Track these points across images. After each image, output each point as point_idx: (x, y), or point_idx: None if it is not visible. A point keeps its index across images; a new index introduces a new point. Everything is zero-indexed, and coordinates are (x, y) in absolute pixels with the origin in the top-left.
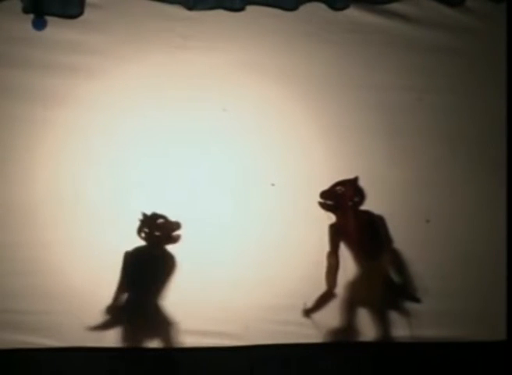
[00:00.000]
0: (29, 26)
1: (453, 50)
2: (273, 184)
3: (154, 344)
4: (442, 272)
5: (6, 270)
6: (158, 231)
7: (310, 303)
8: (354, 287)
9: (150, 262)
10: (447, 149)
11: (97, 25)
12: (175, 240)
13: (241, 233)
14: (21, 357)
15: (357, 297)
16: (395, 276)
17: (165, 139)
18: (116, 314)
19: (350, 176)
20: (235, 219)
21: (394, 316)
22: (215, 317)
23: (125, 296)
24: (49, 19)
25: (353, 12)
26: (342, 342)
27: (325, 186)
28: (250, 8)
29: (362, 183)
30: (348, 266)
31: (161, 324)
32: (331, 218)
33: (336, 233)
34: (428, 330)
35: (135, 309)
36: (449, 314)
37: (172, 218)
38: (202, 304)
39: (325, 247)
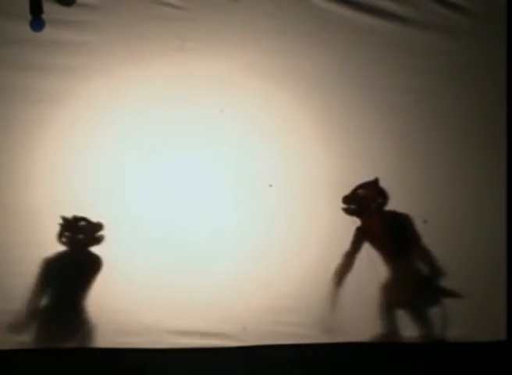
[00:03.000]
0: (27, 27)
1: (451, 51)
2: (271, 185)
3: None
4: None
5: (3, 271)
6: (81, 234)
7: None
8: (387, 288)
9: (75, 266)
10: (445, 150)
11: (95, 26)
12: (98, 241)
13: (239, 235)
14: (18, 358)
15: (391, 298)
16: (428, 273)
17: (162, 140)
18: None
19: (347, 176)
20: (233, 220)
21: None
22: (212, 318)
23: (45, 301)
24: (47, 20)
25: (350, 14)
26: (339, 343)
27: (324, 187)
28: (247, 10)
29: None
30: (379, 268)
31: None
32: (356, 222)
33: (362, 237)
34: (428, 331)
35: (59, 313)
36: (449, 314)
37: (170, 219)
38: (200, 305)
39: (324, 247)
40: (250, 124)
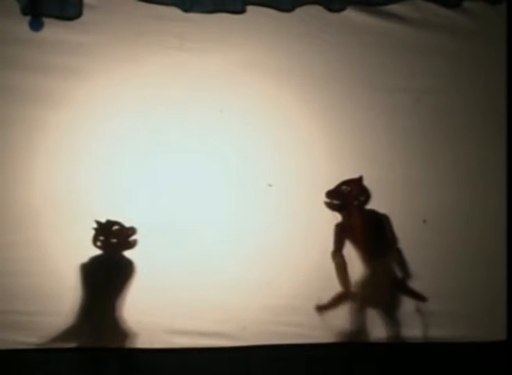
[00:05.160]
0: (26, 27)
1: (451, 51)
2: (270, 185)
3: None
4: (442, 272)
5: (4, 271)
6: (114, 238)
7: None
8: (361, 286)
9: (108, 270)
10: (445, 150)
11: (95, 26)
12: (131, 245)
13: (239, 234)
14: (19, 358)
15: (364, 296)
16: (400, 275)
17: (162, 140)
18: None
19: (348, 176)
20: (233, 220)
21: (398, 317)
22: (212, 318)
23: (86, 305)
24: (46, 20)
25: (350, 14)
26: (341, 343)
27: (324, 187)
28: (247, 10)
29: None
30: (354, 266)
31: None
32: (337, 217)
33: (342, 233)
34: (428, 331)
35: (97, 317)
36: (449, 314)
37: (170, 220)
38: (199, 304)
39: (325, 248)
40: (250, 124)
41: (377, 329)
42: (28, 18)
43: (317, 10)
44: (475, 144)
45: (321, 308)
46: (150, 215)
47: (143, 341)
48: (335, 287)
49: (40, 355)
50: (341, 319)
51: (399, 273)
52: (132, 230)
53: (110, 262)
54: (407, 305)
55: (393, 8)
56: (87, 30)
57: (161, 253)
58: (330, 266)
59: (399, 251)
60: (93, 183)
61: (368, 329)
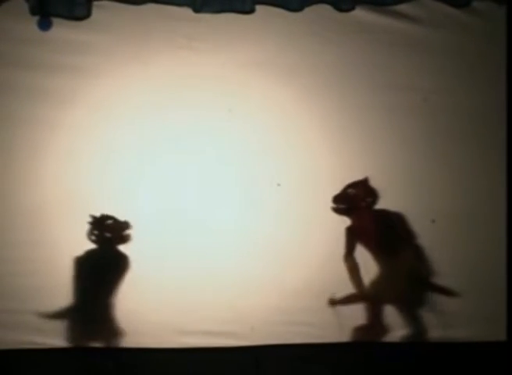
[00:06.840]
0: (34, 26)
1: (459, 51)
2: (279, 184)
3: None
4: (444, 272)
5: (7, 270)
6: (109, 232)
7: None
8: (374, 286)
9: (103, 264)
10: (453, 149)
11: (103, 25)
12: (125, 240)
13: (247, 234)
14: (22, 357)
15: (381, 296)
16: (423, 272)
17: (170, 140)
18: (73, 317)
19: (355, 176)
20: (241, 219)
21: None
22: (220, 317)
23: (80, 299)
24: (54, 19)
25: (359, 13)
26: (349, 342)
27: (331, 186)
28: (256, 9)
29: None
30: (369, 267)
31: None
32: (346, 221)
33: (353, 236)
34: (428, 331)
35: (90, 311)
36: (450, 314)
37: (178, 219)
38: (207, 304)
39: (334, 247)
40: (258, 123)
41: (382, 329)
42: (36, 17)
43: (326, 10)
44: (484, 144)
45: (333, 303)
46: (156, 214)
47: (151, 341)
48: (344, 287)
49: (41, 354)
50: (350, 318)
51: (421, 270)
52: (126, 225)
53: (104, 257)
54: (411, 305)
55: (402, 7)
56: (95, 30)
57: (168, 253)
58: (339, 265)
59: (417, 248)
60: (100, 184)
61: (375, 329)
